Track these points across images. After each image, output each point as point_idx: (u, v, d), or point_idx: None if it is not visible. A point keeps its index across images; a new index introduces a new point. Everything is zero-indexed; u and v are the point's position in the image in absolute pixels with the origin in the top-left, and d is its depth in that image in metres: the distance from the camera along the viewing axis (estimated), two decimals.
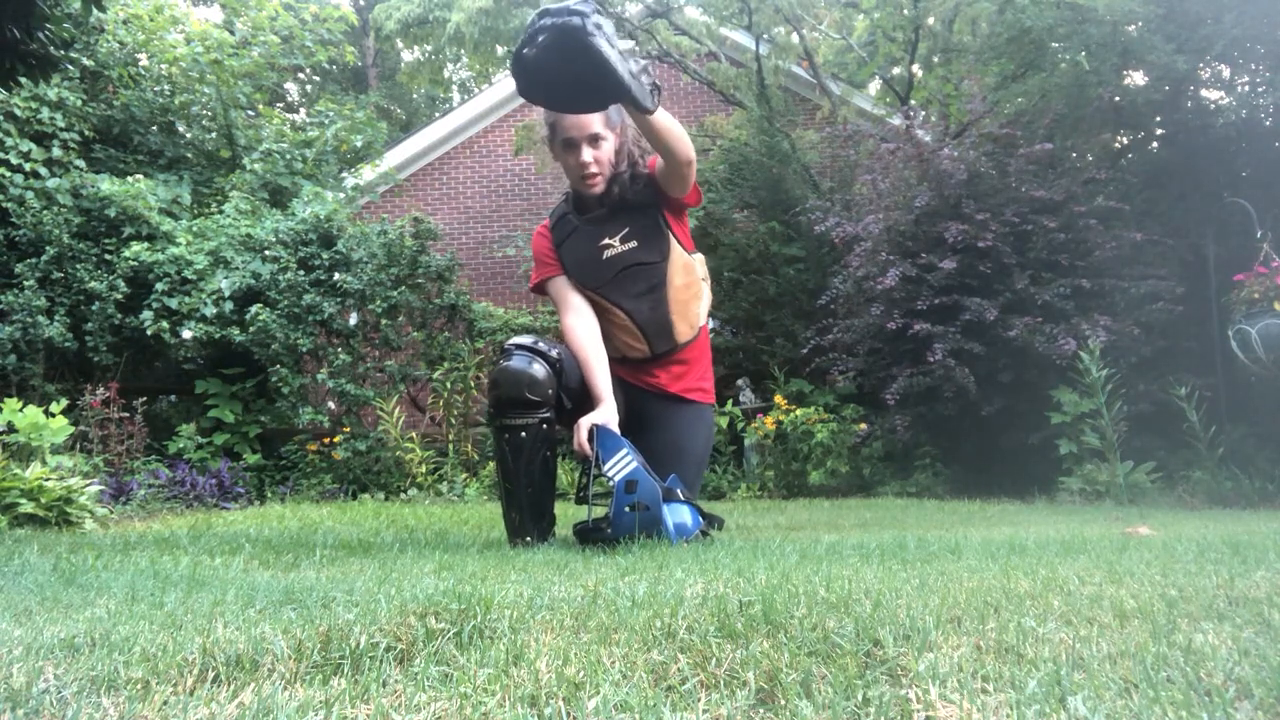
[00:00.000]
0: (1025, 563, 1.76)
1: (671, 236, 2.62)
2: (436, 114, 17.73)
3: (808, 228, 7.89)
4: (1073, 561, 1.79)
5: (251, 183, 7.66)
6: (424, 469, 6.58)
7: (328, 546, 2.47)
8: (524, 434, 2.38)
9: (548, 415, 2.41)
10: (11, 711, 0.84)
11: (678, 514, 2.30)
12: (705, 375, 2.78)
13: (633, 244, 2.59)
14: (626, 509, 2.22)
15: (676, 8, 9.46)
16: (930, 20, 8.83)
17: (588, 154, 2.48)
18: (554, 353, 2.47)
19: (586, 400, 2.52)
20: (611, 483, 2.23)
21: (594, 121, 2.47)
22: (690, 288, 2.64)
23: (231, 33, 8.72)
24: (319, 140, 8.47)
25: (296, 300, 6.83)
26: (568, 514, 3.66)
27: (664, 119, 2.27)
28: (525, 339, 2.49)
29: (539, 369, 2.41)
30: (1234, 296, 5.58)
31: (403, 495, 6.24)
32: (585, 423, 2.35)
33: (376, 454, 6.71)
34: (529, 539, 2.40)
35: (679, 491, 2.37)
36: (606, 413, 2.40)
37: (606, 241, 2.60)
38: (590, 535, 2.29)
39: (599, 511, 2.35)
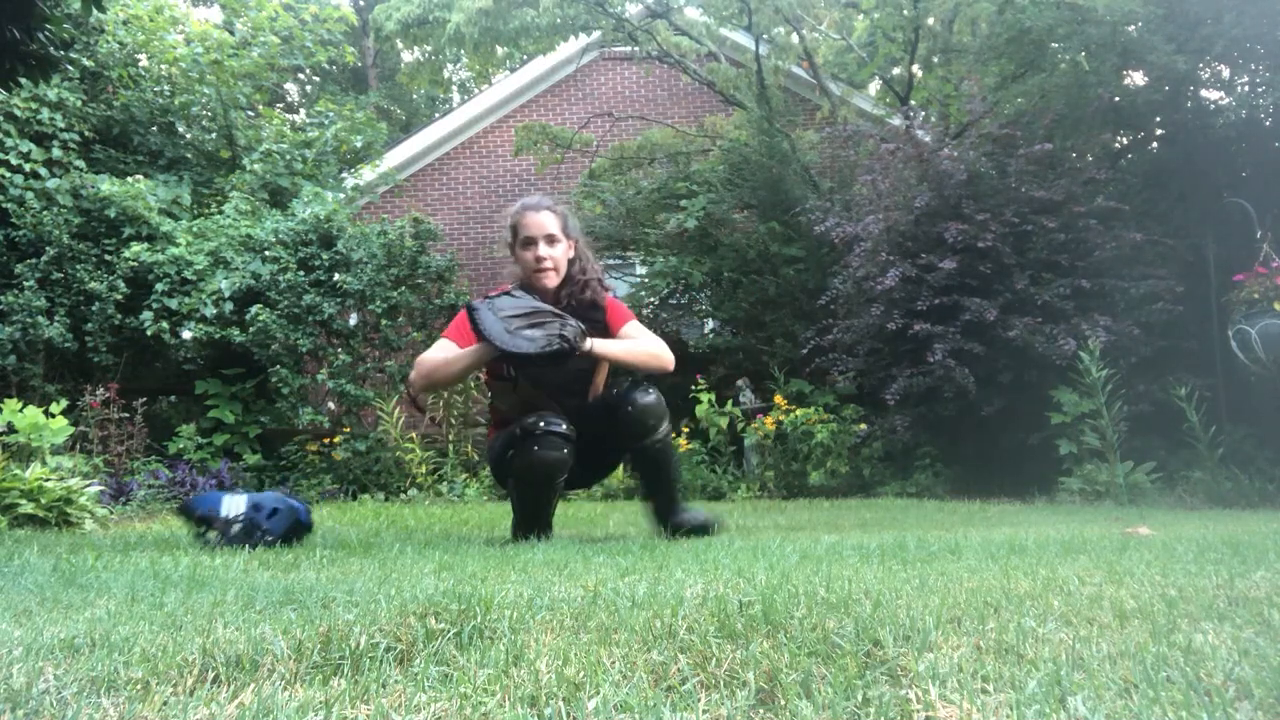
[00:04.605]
0: (1025, 563, 1.76)
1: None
2: (436, 114, 17.72)
3: (808, 228, 7.89)
4: (1073, 562, 1.79)
5: (251, 183, 7.66)
6: (424, 469, 6.57)
7: (328, 546, 2.47)
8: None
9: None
10: (11, 712, 0.84)
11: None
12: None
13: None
14: (271, 513, 2.52)
15: (676, 8, 9.45)
16: (930, 20, 8.83)
17: (543, 249, 2.84)
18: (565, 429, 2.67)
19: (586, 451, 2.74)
20: (239, 521, 2.48)
21: (550, 224, 2.87)
22: (600, 379, 2.93)
23: (231, 33, 8.71)
24: (319, 140, 8.46)
25: (296, 301, 6.83)
26: (567, 514, 3.66)
27: (615, 348, 2.75)
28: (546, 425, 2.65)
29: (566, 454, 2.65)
30: (1234, 296, 5.58)
31: (403, 496, 6.24)
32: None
33: (376, 454, 6.70)
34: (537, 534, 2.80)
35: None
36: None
37: None
38: (255, 540, 2.48)
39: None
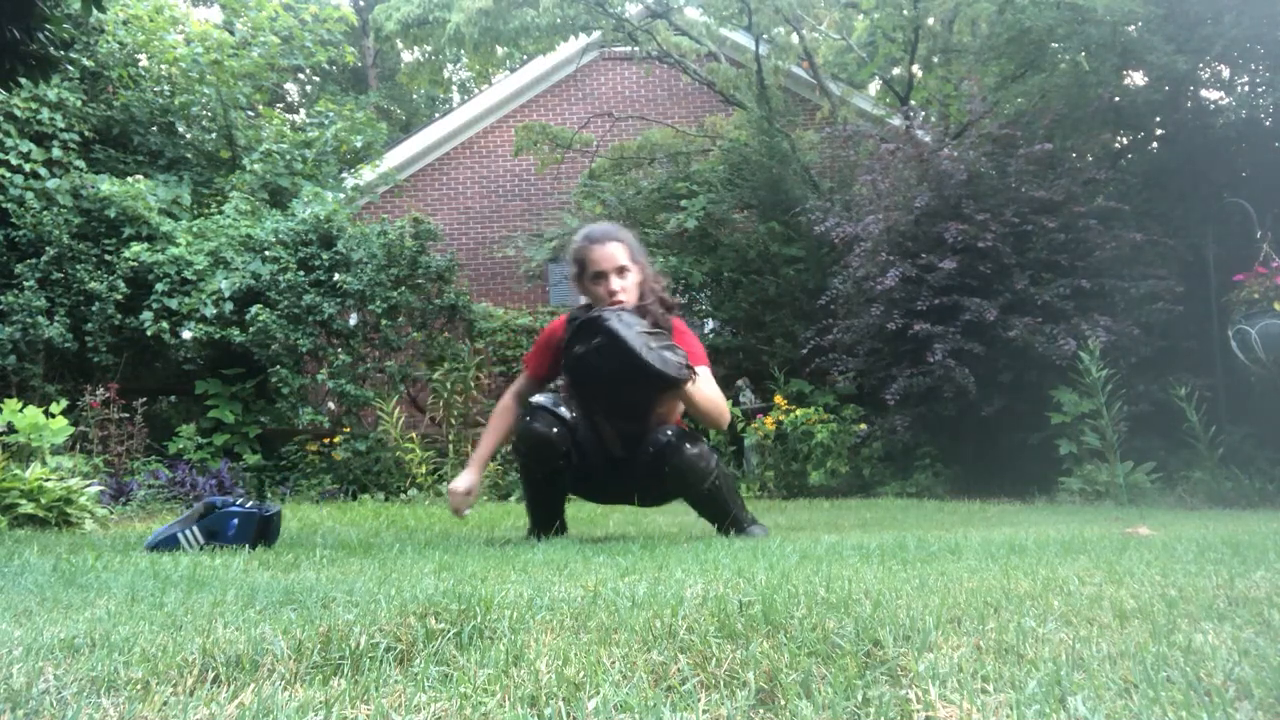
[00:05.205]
0: (1025, 563, 1.76)
1: None
2: (436, 114, 17.72)
3: (808, 228, 7.89)
4: (1073, 561, 1.79)
5: (251, 183, 7.65)
6: (424, 469, 6.57)
7: (328, 546, 2.47)
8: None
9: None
10: (11, 712, 0.84)
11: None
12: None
13: None
14: (234, 523, 2.54)
15: (676, 8, 9.45)
16: (930, 20, 8.83)
17: (616, 283, 2.78)
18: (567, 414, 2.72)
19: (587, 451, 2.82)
20: (200, 542, 2.51)
21: (620, 255, 2.80)
22: (674, 408, 2.84)
23: (231, 33, 8.71)
24: (319, 141, 8.46)
25: (296, 301, 6.83)
26: (580, 513, 3.65)
27: (700, 395, 2.64)
28: (545, 400, 2.74)
29: (556, 432, 2.69)
30: (1234, 296, 5.58)
31: (403, 496, 6.24)
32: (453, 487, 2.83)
33: (376, 454, 6.70)
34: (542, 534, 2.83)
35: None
36: (466, 481, 2.83)
37: None
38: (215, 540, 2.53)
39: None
